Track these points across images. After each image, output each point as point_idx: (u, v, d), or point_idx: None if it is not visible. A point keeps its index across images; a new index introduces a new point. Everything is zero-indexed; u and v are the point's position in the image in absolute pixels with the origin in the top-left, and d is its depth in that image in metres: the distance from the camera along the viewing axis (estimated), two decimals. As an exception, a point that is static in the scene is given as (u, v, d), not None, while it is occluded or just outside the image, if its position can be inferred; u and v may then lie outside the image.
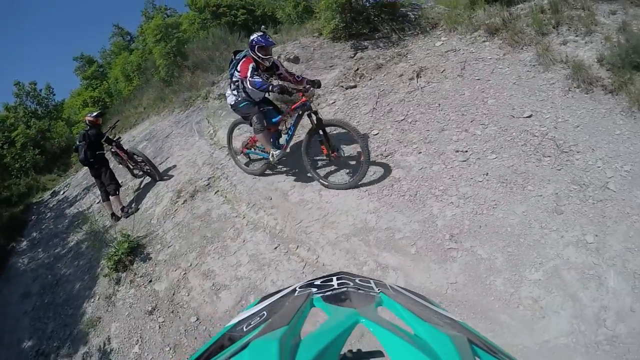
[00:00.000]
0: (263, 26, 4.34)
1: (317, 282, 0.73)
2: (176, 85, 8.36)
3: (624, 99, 3.92)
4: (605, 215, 3.14)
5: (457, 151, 4.09)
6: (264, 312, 0.60)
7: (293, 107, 4.18)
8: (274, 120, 4.40)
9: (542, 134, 3.87)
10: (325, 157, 4.28)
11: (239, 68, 4.11)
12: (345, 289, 0.65)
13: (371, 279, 0.75)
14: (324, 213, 3.93)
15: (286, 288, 0.73)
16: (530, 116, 4.08)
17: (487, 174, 3.73)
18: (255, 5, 10.62)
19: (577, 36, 4.77)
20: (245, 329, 0.54)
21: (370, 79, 5.55)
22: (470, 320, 2.75)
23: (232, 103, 4.43)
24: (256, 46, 4.02)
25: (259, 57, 4.06)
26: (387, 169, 4.16)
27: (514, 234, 3.19)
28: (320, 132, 4.03)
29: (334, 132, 4.46)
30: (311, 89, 4.09)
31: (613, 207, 3.18)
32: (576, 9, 5.11)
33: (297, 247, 3.73)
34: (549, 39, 4.85)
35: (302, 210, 4.08)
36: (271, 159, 4.37)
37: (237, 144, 5.06)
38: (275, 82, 3.93)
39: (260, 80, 3.89)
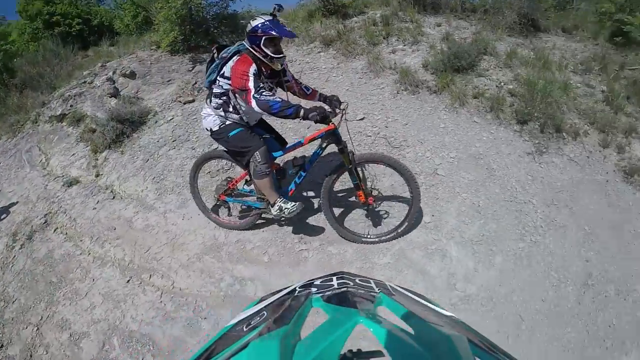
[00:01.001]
0: (276, 5, 2.64)
1: (317, 282, 0.73)
2: (2, 107, 7.02)
3: (447, 97, 4.60)
4: (438, 197, 3.65)
5: (295, 156, 4.25)
6: (264, 312, 0.60)
7: (312, 136, 3.00)
8: (274, 154, 3.12)
9: (375, 133, 4.33)
10: (362, 206, 3.33)
11: (228, 72, 2.67)
12: (345, 289, 0.66)
13: (371, 278, 0.76)
14: (172, 236, 3.76)
15: (286, 288, 0.74)
16: (362, 119, 4.52)
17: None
18: (91, 14, 9.54)
19: (405, 45, 5.46)
20: (245, 329, 0.54)
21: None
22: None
23: (216, 129, 2.93)
24: (263, 37, 2.57)
25: (265, 55, 2.62)
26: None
27: (358, 226, 3.47)
28: (354, 172, 3.03)
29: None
30: (343, 109, 2.91)
31: (444, 189, 3.70)
32: (405, 21, 5.87)
33: (150, 276, 3.49)
34: (380, 49, 5.45)
35: (149, 237, 3.84)
36: (275, 213, 3.03)
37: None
38: (308, 107, 2.59)
39: (278, 100, 2.53)
